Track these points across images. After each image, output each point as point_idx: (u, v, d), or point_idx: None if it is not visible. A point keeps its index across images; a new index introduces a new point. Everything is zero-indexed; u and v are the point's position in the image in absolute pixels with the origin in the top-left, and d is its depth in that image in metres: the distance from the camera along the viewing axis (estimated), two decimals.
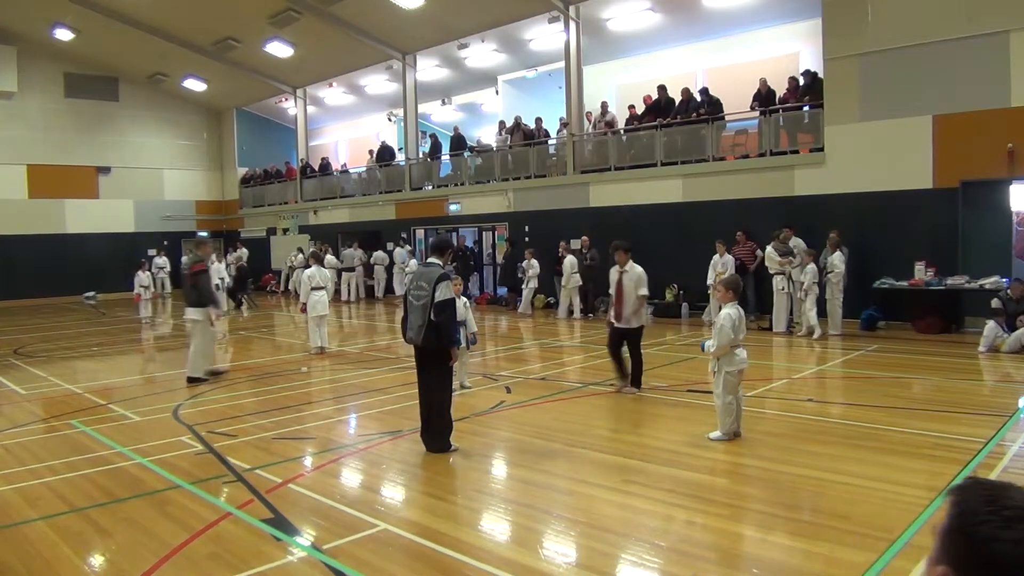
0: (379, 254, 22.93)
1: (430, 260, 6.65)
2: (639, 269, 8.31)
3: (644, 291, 8.23)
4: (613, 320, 8.41)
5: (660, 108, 17.22)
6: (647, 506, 5.01)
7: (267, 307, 22.05)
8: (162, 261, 26.78)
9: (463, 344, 8.15)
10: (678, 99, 16.91)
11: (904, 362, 10.43)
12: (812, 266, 12.47)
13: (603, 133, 18.20)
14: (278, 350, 13.61)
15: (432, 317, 6.15)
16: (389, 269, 22.59)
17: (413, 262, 20.37)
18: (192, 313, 9.99)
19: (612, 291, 8.44)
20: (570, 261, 16.12)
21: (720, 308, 6.70)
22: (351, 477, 6.09)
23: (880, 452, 5.99)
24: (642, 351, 8.51)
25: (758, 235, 14.27)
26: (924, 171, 12.88)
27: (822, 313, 12.67)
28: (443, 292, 6.18)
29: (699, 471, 5.68)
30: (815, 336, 12.29)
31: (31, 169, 26.29)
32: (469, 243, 22.15)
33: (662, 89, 17.30)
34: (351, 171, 26.13)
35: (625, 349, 8.45)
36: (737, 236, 14.49)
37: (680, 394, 8.50)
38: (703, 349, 6.70)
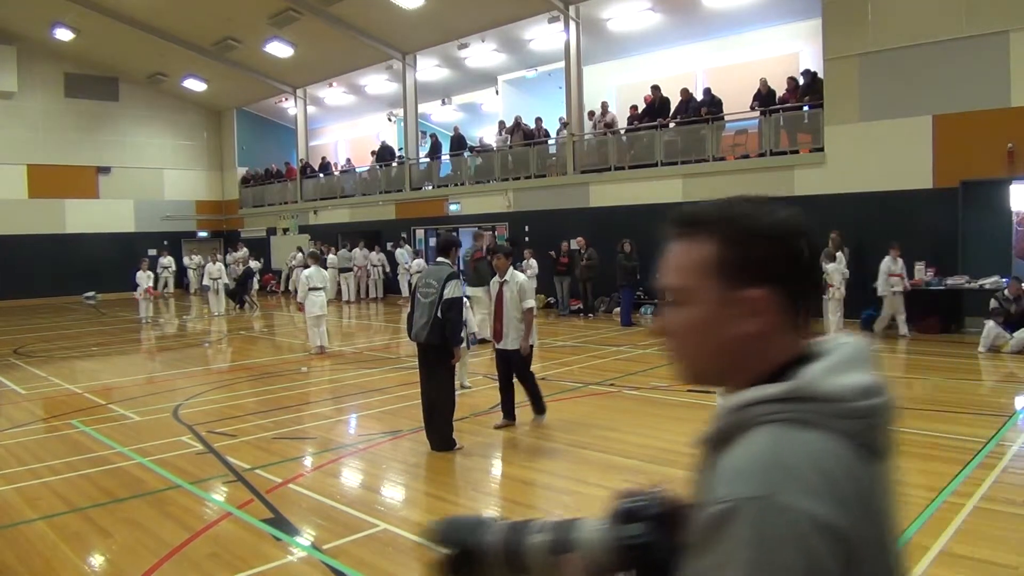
0: (372, 255, 22.91)
1: (439, 259, 6.72)
2: (521, 278, 7.10)
3: (530, 303, 6.96)
4: (494, 343, 7.12)
5: (654, 109, 17.22)
6: None
7: (267, 307, 22.04)
8: (167, 261, 26.76)
9: (464, 344, 8.15)
10: (676, 99, 16.92)
11: (904, 362, 10.43)
12: (833, 266, 12.24)
13: (603, 133, 18.20)
14: (278, 350, 13.61)
15: (439, 314, 6.22)
16: (394, 270, 22.50)
17: (419, 261, 20.36)
18: (473, 291, 12.10)
19: (492, 306, 7.15)
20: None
21: None
22: (351, 477, 6.09)
23: None
24: (534, 375, 7.23)
25: None
26: (924, 171, 12.87)
27: (816, 314, 12.66)
28: (452, 290, 6.28)
29: None
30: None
31: (31, 169, 26.26)
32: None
33: (655, 89, 17.31)
34: (357, 169, 26.01)
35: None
36: None
37: (680, 394, 8.49)
38: None
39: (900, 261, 12.17)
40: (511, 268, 7.13)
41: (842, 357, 1.00)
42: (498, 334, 7.02)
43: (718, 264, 1.01)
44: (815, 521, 0.84)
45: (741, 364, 1.03)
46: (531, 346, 7.04)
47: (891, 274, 12.11)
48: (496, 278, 7.14)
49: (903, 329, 12.18)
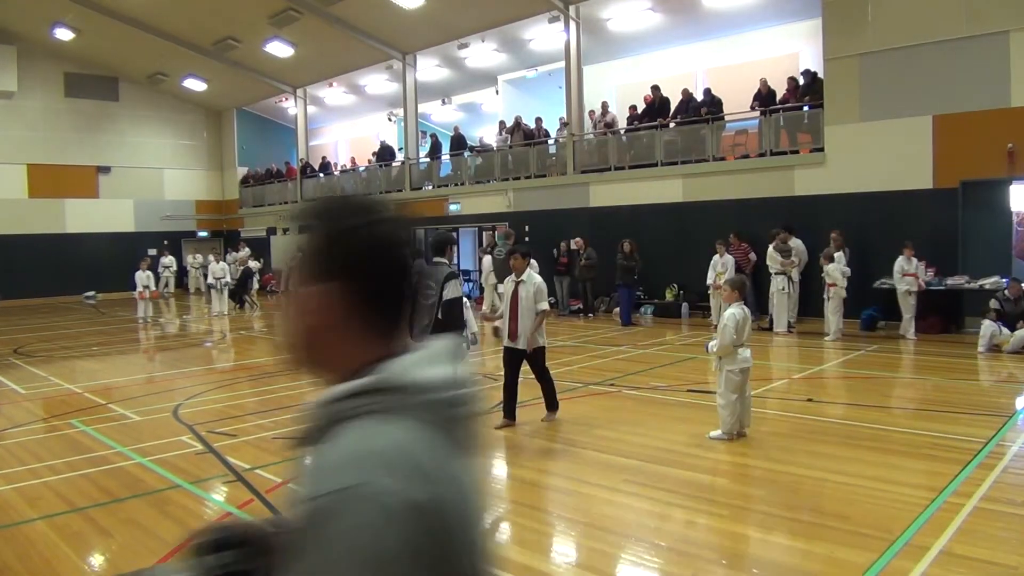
0: None
1: (435, 259, 6.67)
2: (538, 279, 7.23)
3: (544, 305, 7.08)
4: (507, 340, 7.19)
5: (654, 109, 17.22)
6: (647, 506, 5.01)
7: (267, 307, 22.03)
8: (168, 260, 26.75)
9: (465, 344, 8.16)
10: (676, 99, 16.92)
11: (904, 362, 10.43)
12: (833, 265, 12.34)
13: (603, 133, 18.20)
14: (278, 350, 13.60)
15: (439, 316, 6.20)
16: None
17: (420, 261, 20.34)
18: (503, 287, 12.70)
19: (507, 305, 7.26)
20: (487, 261, 17.24)
21: (723, 308, 6.69)
22: None
23: (880, 452, 5.99)
24: (550, 371, 7.38)
25: (758, 236, 14.22)
26: (924, 171, 12.87)
27: (817, 314, 12.67)
28: (451, 291, 6.25)
29: (699, 471, 5.68)
30: (831, 338, 12.19)
31: (31, 169, 26.24)
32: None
33: (655, 89, 17.31)
34: (357, 169, 25.98)
35: (548, 375, 7.36)
36: (730, 239, 14.41)
37: (680, 394, 8.50)
38: (707, 350, 6.71)
39: (915, 260, 12.16)
40: (528, 268, 7.27)
41: (427, 353, 1.05)
42: (513, 333, 7.11)
43: (303, 257, 1.10)
44: (406, 502, 0.87)
45: (324, 356, 1.08)
46: (543, 346, 7.19)
47: (905, 273, 12.11)
48: (512, 277, 7.23)
49: (905, 330, 12.15)
